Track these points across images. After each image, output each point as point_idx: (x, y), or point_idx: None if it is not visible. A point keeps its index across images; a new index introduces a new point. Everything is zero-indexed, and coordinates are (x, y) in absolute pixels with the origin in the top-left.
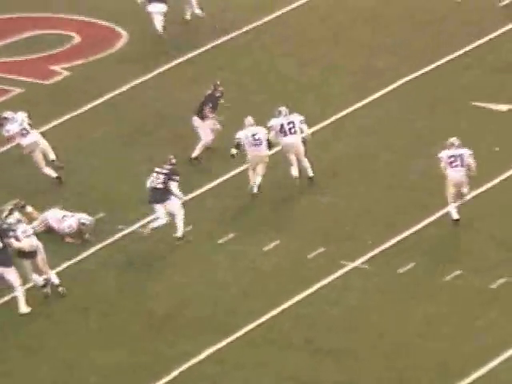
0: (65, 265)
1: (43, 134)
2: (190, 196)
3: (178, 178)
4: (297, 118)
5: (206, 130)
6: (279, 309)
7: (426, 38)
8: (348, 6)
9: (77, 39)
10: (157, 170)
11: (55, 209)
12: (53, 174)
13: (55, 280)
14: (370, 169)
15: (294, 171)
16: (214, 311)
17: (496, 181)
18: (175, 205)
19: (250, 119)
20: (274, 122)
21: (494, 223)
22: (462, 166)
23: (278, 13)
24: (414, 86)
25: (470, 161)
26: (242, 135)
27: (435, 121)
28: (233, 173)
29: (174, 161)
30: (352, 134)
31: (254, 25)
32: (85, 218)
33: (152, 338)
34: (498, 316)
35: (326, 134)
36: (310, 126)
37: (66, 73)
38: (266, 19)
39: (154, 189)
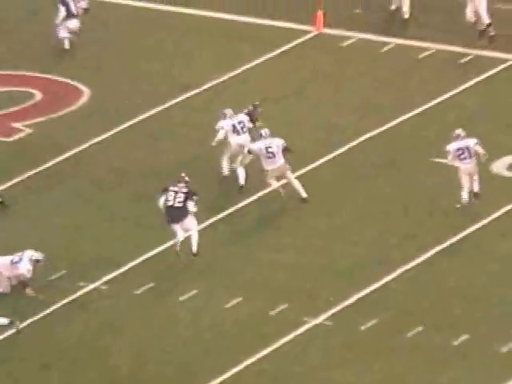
0: (27, 321)
1: (3, 191)
2: (153, 252)
3: (196, 197)
4: (245, 118)
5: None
6: (241, 365)
7: (386, 95)
8: (309, 63)
9: (38, 96)
10: (173, 189)
11: None
12: None
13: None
14: (331, 224)
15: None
16: (177, 368)
17: (459, 236)
18: (192, 222)
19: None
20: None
21: (456, 277)
22: (470, 157)
23: (239, 70)
24: (374, 142)
25: (478, 149)
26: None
27: (396, 177)
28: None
29: (187, 178)
30: (313, 190)
31: (214, 82)
32: (35, 254)
33: None
34: (461, 373)
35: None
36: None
37: (27, 130)
38: (226, 77)
39: (172, 208)
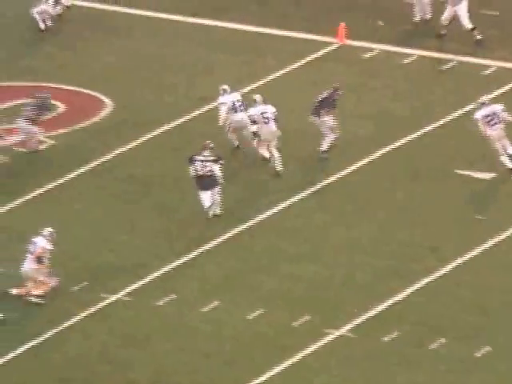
0: (47, 333)
1: (26, 203)
2: (175, 264)
3: (222, 161)
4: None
5: (324, 128)
6: (263, 378)
7: (408, 106)
8: (332, 75)
9: (62, 108)
10: (200, 158)
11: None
12: None
13: None
14: (352, 236)
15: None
16: (198, 380)
17: (479, 249)
18: (218, 188)
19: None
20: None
21: (477, 290)
22: (499, 122)
23: (261, 82)
24: (396, 154)
25: (505, 115)
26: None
27: (417, 190)
28: (214, 242)
29: (212, 145)
30: (334, 201)
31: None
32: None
33: None
34: None
35: (309, 202)
36: (290, 194)
37: (50, 141)
38: (248, 88)
39: (203, 177)
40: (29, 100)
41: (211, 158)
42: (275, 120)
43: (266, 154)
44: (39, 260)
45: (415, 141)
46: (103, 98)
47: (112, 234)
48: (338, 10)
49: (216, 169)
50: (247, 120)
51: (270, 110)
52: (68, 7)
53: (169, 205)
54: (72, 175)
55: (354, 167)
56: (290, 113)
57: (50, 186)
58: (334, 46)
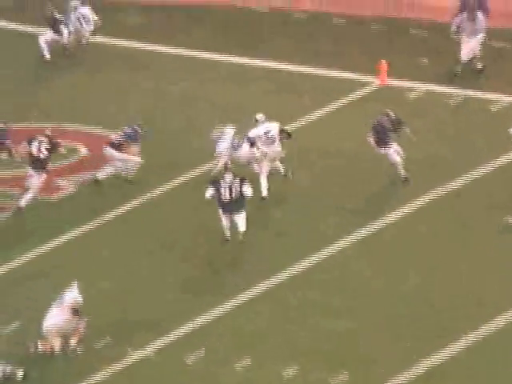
0: None
1: (47, 253)
2: (203, 318)
3: (247, 181)
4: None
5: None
6: None
7: (455, 150)
8: (373, 117)
9: (84, 152)
10: (225, 183)
11: None
12: None
13: None
14: (393, 288)
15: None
16: None
17: None
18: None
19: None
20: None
21: None
22: None
23: (297, 124)
24: (442, 200)
25: None
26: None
27: (466, 237)
28: (245, 295)
29: (229, 165)
30: (377, 249)
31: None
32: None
33: None
34: None
35: (346, 250)
36: (327, 242)
37: (72, 187)
38: None
39: (231, 202)
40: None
41: (237, 183)
42: (281, 139)
43: (264, 184)
44: (75, 312)
45: (462, 186)
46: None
47: (138, 286)
48: (378, 47)
49: (247, 190)
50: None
51: (275, 128)
52: (85, 38)
53: (198, 256)
54: (96, 223)
55: (395, 213)
56: (324, 154)
57: (72, 234)
58: (374, 86)
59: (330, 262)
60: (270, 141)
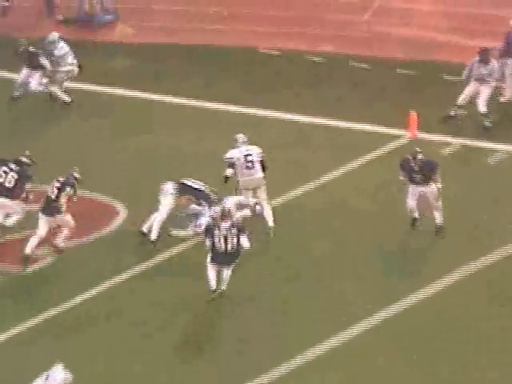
0: None
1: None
2: None
3: (247, 232)
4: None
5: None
6: None
7: (497, 213)
8: None
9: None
10: (221, 232)
11: None
12: None
13: None
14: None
15: None
16: None
17: None
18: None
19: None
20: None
21: None
22: None
23: (318, 182)
24: (486, 271)
25: None
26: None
27: (503, 319)
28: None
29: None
30: (397, 337)
31: (291, 196)
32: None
33: None
34: None
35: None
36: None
37: (50, 259)
38: (305, 188)
39: (225, 253)
40: None
41: (235, 232)
42: (262, 165)
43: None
44: None
45: (504, 258)
46: (116, 204)
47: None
48: (406, 96)
49: (245, 241)
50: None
51: (256, 151)
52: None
53: (197, 334)
54: (84, 296)
55: (424, 290)
56: (351, 212)
57: (60, 308)
58: (404, 140)
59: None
60: (247, 165)
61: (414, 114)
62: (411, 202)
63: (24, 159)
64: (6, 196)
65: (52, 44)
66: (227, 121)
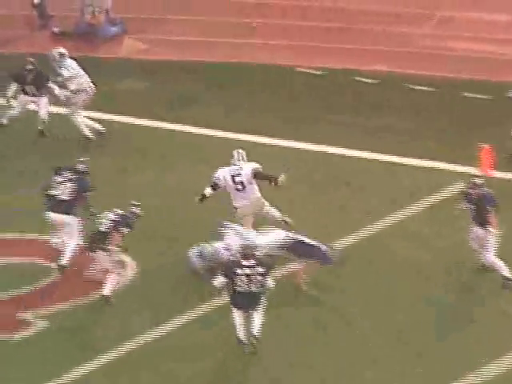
0: None
1: None
2: None
3: (272, 269)
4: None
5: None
6: None
7: None
8: None
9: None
10: (244, 271)
11: None
12: None
13: None
14: None
15: None
16: None
17: None
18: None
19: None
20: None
21: None
22: None
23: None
24: None
25: None
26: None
27: None
28: None
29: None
30: None
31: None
32: None
33: None
34: None
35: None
36: None
37: (40, 323)
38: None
39: (249, 294)
40: None
41: (260, 271)
42: (263, 178)
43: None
44: None
45: None
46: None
47: None
48: (476, 124)
49: (270, 282)
50: None
51: (245, 171)
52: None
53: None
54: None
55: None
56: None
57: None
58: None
59: None
60: (236, 187)
61: (487, 148)
62: (474, 245)
63: (80, 167)
64: (66, 212)
65: (58, 62)
66: (262, 153)
